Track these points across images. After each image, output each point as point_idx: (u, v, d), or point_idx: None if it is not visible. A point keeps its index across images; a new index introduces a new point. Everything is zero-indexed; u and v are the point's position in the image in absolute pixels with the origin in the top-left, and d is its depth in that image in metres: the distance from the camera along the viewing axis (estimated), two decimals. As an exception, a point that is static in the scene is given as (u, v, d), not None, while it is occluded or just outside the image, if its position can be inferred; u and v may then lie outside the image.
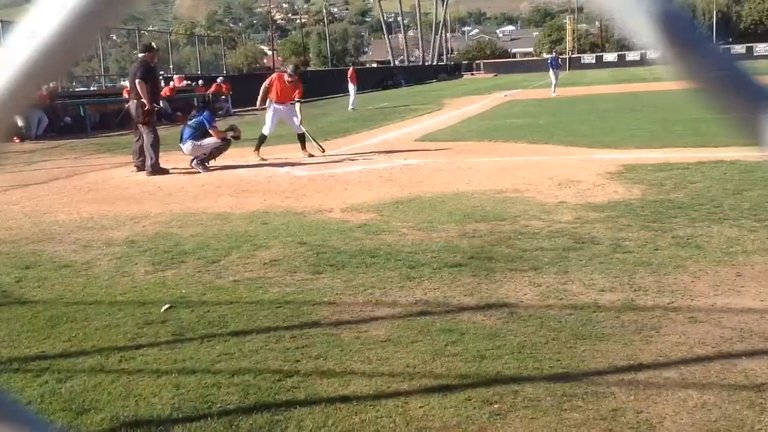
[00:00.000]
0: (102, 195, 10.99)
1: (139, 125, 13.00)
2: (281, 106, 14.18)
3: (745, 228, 6.77)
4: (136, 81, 12.78)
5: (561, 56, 52.83)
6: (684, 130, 15.19)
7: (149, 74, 13.08)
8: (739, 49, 75.45)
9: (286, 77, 14.19)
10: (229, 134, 13.35)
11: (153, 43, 14.43)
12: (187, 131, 12.94)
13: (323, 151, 14.36)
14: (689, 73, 0.51)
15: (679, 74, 0.51)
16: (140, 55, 13.66)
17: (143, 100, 12.73)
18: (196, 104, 14.35)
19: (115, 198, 10.58)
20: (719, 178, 9.31)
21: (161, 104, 20.86)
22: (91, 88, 35.11)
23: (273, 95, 14.10)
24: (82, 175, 13.46)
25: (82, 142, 21.16)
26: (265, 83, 14.27)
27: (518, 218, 7.71)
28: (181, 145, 13.05)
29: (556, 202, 8.47)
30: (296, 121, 14.33)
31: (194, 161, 12.89)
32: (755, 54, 77.25)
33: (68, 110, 25.58)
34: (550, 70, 34.50)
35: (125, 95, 25.00)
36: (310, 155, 14.11)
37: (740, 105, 0.51)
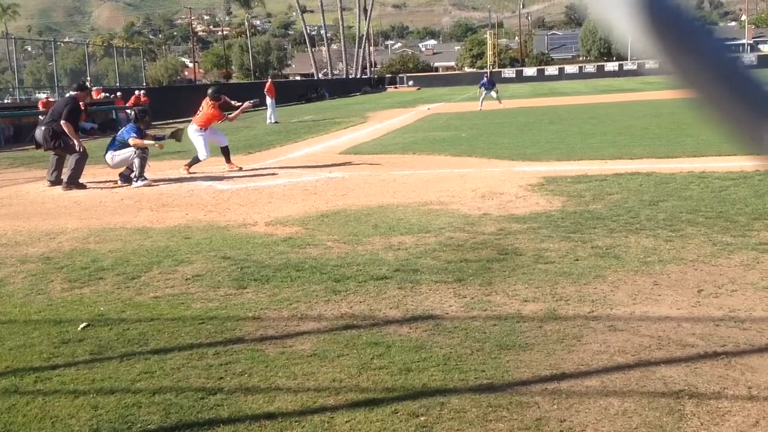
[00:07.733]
0: (16, 210, 10.63)
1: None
2: (205, 130, 13.90)
3: (661, 238, 6.96)
4: (62, 122, 12.51)
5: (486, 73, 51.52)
6: (600, 142, 15.60)
7: (76, 115, 12.94)
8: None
9: (212, 103, 14.01)
10: (166, 137, 13.42)
11: (88, 84, 14.22)
12: (113, 144, 12.75)
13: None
14: (685, 73, 0.45)
15: (673, 76, 0.45)
16: (72, 93, 13.45)
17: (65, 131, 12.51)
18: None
19: (30, 213, 10.24)
20: (636, 189, 9.57)
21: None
22: (5, 101, 34.11)
23: (201, 122, 13.83)
24: (-5, 190, 13.00)
25: (-6, 156, 20.45)
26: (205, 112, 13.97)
27: (443, 230, 7.76)
28: (105, 158, 12.88)
29: (480, 214, 8.57)
30: (221, 135, 14.14)
31: (137, 181, 12.42)
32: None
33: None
34: (482, 89, 33.01)
35: (41, 107, 24.40)
36: (240, 168, 13.93)
37: (744, 110, 0.46)
